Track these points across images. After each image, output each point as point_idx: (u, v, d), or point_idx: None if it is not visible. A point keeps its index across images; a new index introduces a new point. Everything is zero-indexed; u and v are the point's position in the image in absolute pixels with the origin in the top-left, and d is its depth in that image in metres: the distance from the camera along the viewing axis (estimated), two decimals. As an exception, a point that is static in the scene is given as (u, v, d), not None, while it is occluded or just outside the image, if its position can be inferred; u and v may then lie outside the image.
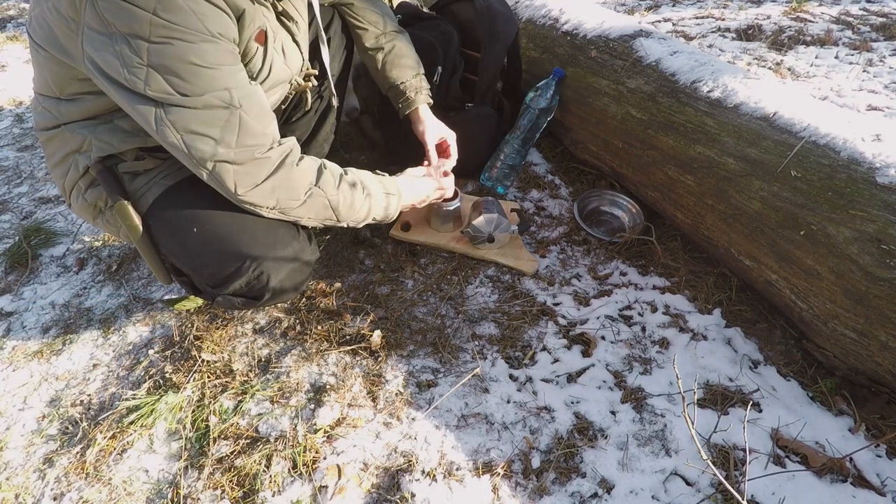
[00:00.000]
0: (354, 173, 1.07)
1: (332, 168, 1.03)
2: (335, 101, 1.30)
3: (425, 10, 1.75)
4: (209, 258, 1.01)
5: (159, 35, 0.77)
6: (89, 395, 1.18)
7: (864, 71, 2.44)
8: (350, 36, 1.36)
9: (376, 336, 1.25)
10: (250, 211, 0.98)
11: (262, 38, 0.95)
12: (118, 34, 0.76)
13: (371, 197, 1.08)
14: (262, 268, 1.01)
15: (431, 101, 1.38)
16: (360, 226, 1.11)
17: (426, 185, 1.28)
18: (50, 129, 0.99)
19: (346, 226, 1.09)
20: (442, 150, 1.40)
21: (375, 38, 1.32)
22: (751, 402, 1.09)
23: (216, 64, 0.82)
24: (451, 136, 1.38)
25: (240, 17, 0.88)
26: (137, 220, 1.01)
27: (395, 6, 1.79)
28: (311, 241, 1.12)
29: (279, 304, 1.36)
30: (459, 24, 1.64)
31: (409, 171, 1.27)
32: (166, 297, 1.40)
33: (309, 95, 1.24)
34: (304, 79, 1.18)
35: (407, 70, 1.34)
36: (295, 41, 1.07)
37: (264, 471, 1.01)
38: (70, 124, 0.96)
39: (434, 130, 1.36)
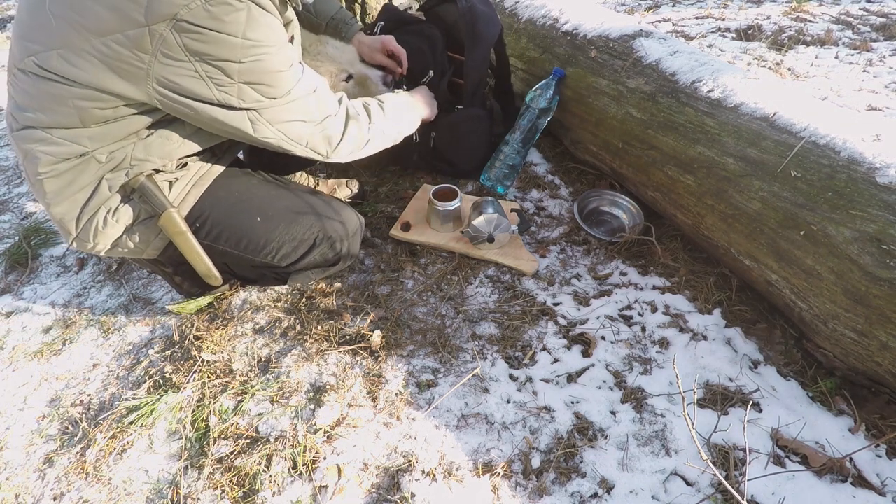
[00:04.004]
0: (381, 98, 1.21)
1: (363, 99, 1.17)
2: None
3: (413, 10, 1.75)
4: (281, 241, 1.12)
5: (249, 55, 0.84)
6: (89, 395, 1.18)
7: (864, 71, 2.44)
8: None
9: (376, 336, 1.25)
10: (335, 164, 1.13)
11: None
12: (206, 62, 0.82)
13: (397, 109, 1.22)
14: (329, 235, 1.17)
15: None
16: (401, 139, 1.26)
17: (424, 93, 1.42)
18: (68, 159, 0.93)
19: (394, 143, 1.23)
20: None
21: None
22: (751, 402, 1.09)
23: (290, 63, 0.93)
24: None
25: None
26: (184, 225, 1.04)
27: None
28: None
29: (279, 304, 1.36)
30: (445, 26, 1.63)
31: (399, 92, 1.37)
32: (169, 305, 1.38)
33: None
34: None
35: (334, 1, 1.45)
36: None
37: (264, 471, 1.01)
38: (100, 149, 0.93)
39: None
